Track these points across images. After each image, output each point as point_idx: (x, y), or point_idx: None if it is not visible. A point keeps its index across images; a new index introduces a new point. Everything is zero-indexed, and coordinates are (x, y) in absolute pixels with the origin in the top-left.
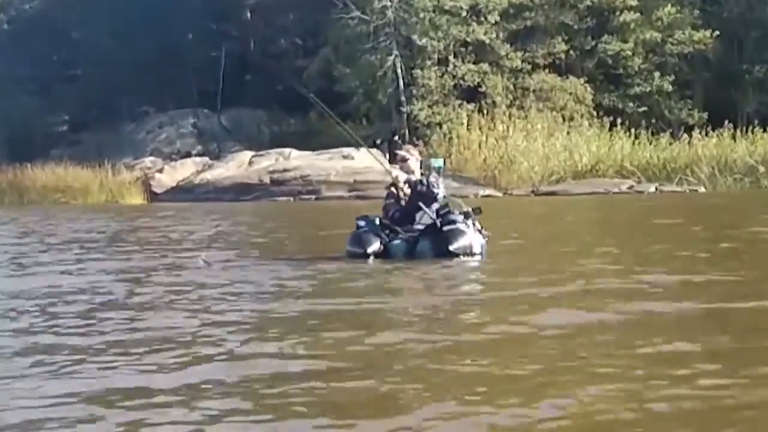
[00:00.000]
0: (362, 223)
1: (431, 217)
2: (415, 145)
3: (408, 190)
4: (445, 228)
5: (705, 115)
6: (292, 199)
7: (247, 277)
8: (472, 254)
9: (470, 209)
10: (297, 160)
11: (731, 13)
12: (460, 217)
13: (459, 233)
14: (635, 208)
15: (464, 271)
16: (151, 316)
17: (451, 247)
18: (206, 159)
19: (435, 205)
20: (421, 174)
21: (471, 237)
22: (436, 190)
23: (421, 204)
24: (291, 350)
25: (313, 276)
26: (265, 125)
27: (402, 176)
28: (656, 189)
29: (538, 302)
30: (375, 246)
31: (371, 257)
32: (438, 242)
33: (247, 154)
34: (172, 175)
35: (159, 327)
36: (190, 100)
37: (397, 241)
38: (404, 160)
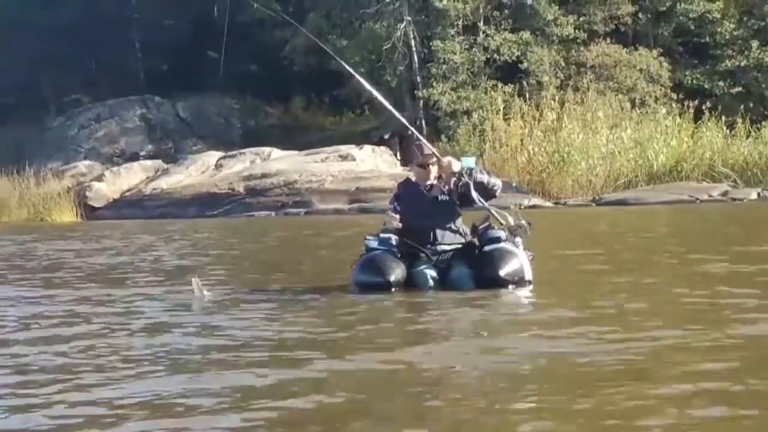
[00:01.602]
0: (374, 243)
1: (462, 231)
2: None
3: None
4: (487, 248)
5: None
6: (273, 213)
7: (234, 331)
8: (523, 282)
9: (518, 224)
10: (279, 163)
11: None
12: (503, 234)
13: (507, 255)
14: (736, 220)
15: (525, 307)
16: None
17: (501, 273)
18: (159, 162)
19: (459, 220)
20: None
21: (522, 260)
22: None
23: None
24: None
25: (324, 323)
26: (236, 117)
27: (455, 165)
28: (759, 195)
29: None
30: (398, 273)
31: (393, 288)
32: (479, 267)
33: (213, 156)
34: (115, 183)
35: None
36: (136, 84)
37: (424, 267)
38: (429, 165)
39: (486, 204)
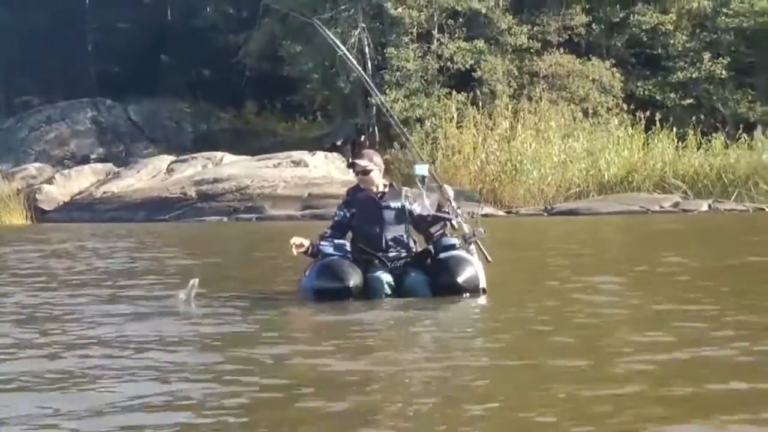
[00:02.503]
0: (329, 248)
1: (413, 239)
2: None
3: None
4: (442, 256)
5: None
6: (225, 218)
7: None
8: (477, 290)
9: (473, 231)
10: (231, 168)
11: None
12: (458, 241)
13: (463, 263)
14: (689, 232)
15: (479, 314)
16: None
17: (458, 280)
18: (110, 165)
19: (409, 227)
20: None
21: (477, 268)
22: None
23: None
24: None
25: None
26: (188, 121)
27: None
28: (710, 207)
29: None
30: (356, 279)
31: (351, 294)
32: (435, 274)
33: (165, 160)
34: (66, 186)
35: None
36: (87, 87)
37: (379, 273)
38: (366, 171)
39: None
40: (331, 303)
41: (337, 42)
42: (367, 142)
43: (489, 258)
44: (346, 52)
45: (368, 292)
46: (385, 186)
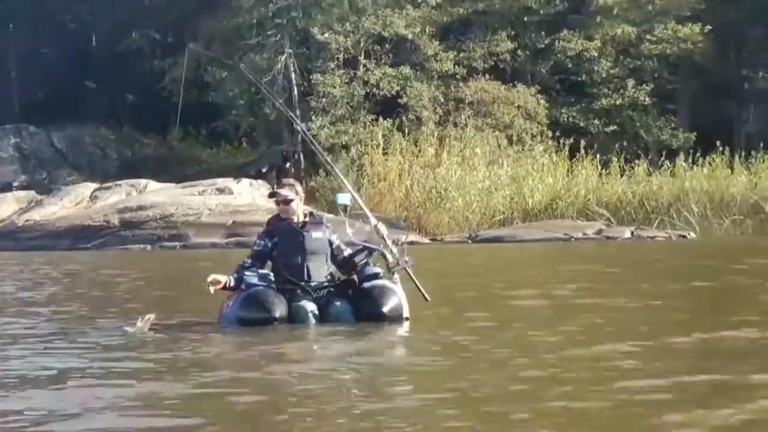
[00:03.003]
0: (254, 278)
1: (333, 268)
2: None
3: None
4: (366, 285)
5: (693, 135)
6: (149, 246)
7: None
8: (401, 319)
9: (398, 260)
10: (156, 195)
11: (726, 2)
12: (381, 270)
13: (387, 292)
14: (609, 259)
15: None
16: None
17: (383, 309)
18: (33, 193)
19: (329, 257)
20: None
21: (401, 297)
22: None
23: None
24: None
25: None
26: (112, 148)
27: (382, 229)
28: (632, 234)
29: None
30: (282, 309)
31: (276, 323)
32: (359, 302)
33: (89, 187)
34: None
35: None
36: (9, 113)
37: (303, 302)
38: (287, 201)
39: (367, 245)
40: (256, 330)
41: (258, 80)
42: (293, 169)
43: (426, 297)
44: (271, 93)
45: (293, 321)
46: (305, 215)
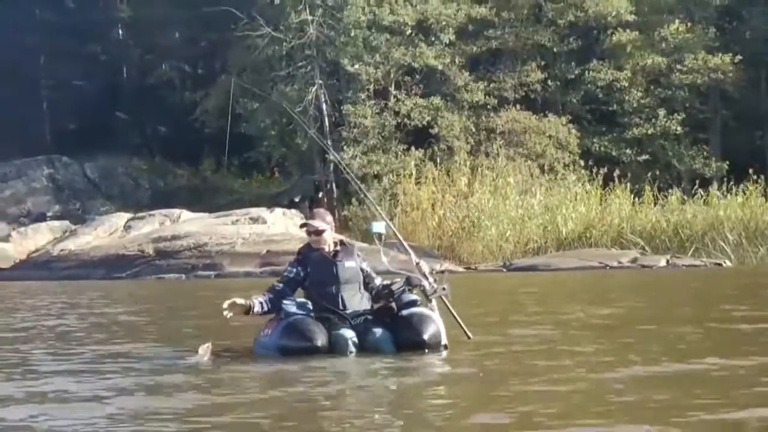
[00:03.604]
0: (293, 307)
1: (367, 297)
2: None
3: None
4: (405, 312)
5: (725, 164)
6: (184, 276)
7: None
8: (439, 346)
9: (434, 288)
10: (189, 225)
11: (756, 32)
12: (418, 298)
13: (426, 320)
14: (651, 287)
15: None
16: None
17: (425, 337)
18: (67, 223)
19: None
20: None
21: (439, 324)
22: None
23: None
24: None
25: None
26: (144, 178)
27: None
28: (668, 262)
29: None
30: (323, 338)
31: (319, 352)
32: (399, 330)
33: (122, 217)
34: (22, 244)
35: None
36: (42, 144)
37: (343, 330)
38: (318, 232)
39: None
40: (301, 360)
41: (291, 109)
42: (325, 199)
43: (469, 335)
44: (312, 131)
45: (333, 349)
46: (336, 243)
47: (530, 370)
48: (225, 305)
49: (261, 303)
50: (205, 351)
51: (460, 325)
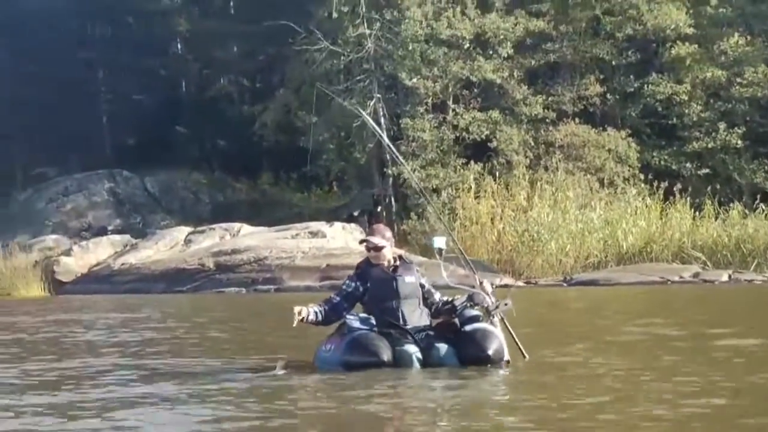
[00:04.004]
0: (356, 322)
1: (426, 312)
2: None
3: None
4: (468, 328)
5: None
6: (244, 290)
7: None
8: (502, 362)
9: (497, 303)
10: (249, 239)
11: None
12: (480, 313)
13: (490, 335)
14: (720, 302)
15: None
16: None
17: (489, 352)
18: (128, 237)
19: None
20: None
21: (501, 340)
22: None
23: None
24: None
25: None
26: (204, 192)
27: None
28: (730, 278)
29: None
30: (389, 353)
31: (383, 367)
32: (463, 346)
33: (183, 231)
34: (83, 258)
35: None
36: (103, 158)
37: (407, 346)
38: (378, 248)
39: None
40: (368, 374)
41: (372, 123)
42: (384, 213)
43: (525, 354)
44: (383, 136)
45: (398, 365)
46: (395, 258)
47: (592, 389)
48: (295, 311)
49: (315, 312)
50: (281, 365)
51: (517, 344)
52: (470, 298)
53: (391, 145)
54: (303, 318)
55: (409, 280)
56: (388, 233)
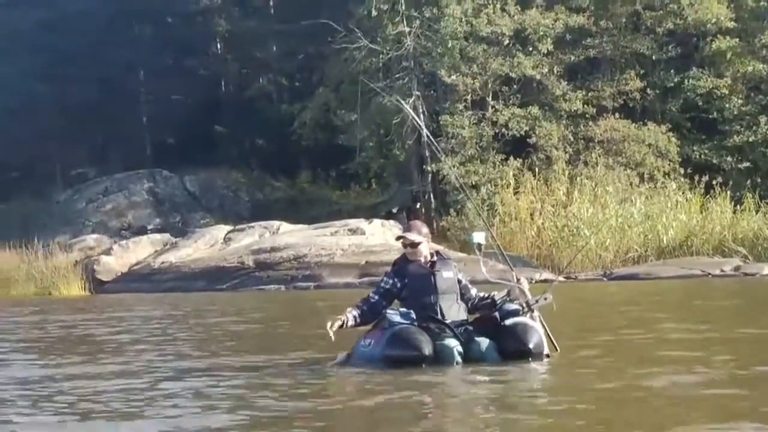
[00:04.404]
0: (397, 317)
1: (463, 307)
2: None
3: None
4: (508, 322)
5: None
6: (284, 287)
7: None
8: (542, 356)
9: (537, 298)
10: (288, 236)
11: None
12: (520, 307)
13: (530, 329)
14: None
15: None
16: None
17: (530, 346)
18: (167, 236)
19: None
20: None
21: (541, 334)
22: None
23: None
24: None
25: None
26: (243, 190)
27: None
28: None
29: None
30: (430, 347)
31: (426, 361)
32: (504, 340)
33: (222, 229)
34: (123, 257)
35: None
36: (143, 158)
37: (448, 340)
38: (415, 245)
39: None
40: (408, 369)
41: (413, 114)
42: (423, 210)
43: (556, 347)
44: (422, 126)
45: (439, 359)
46: (432, 254)
47: (633, 383)
48: (330, 329)
49: (354, 317)
50: (343, 357)
51: (549, 336)
52: (508, 294)
53: (430, 136)
54: (342, 324)
55: (447, 276)
56: (425, 229)
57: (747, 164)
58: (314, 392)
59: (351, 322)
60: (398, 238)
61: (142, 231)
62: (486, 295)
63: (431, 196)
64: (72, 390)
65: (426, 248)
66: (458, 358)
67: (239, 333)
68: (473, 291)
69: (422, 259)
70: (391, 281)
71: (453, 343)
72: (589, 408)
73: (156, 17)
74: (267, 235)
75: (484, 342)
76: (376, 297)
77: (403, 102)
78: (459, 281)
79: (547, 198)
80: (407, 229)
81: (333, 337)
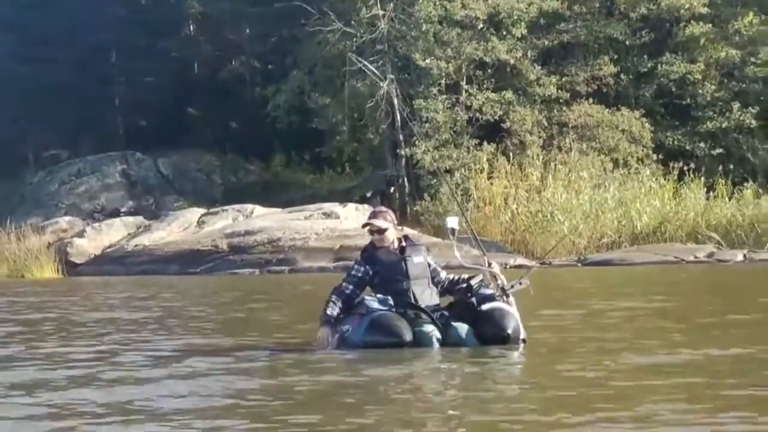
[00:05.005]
0: (375, 303)
1: (435, 291)
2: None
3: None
4: (485, 307)
5: None
6: (257, 271)
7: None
8: (518, 341)
9: (514, 283)
10: (262, 220)
11: None
12: (495, 292)
13: (507, 314)
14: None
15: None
16: None
17: (508, 331)
18: (141, 218)
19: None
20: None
21: (518, 319)
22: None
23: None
24: None
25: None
26: (217, 174)
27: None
28: (745, 257)
29: None
30: (409, 333)
31: (404, 347)
32: (481, 325)
33: (195, 212)
34: (96, 239)
35: None
36: (116, 140)
37: (426, 325)
38: (381, 231)
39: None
40: (386, 352)
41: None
42: (397, 194)
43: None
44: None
45: (418, 344)
46: (400, 240)
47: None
48: (325, 340)
49: (338, 315)
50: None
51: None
52: (482, 280)
53: (409, 118)
54: (330, 328)
55: (417, 261)
56: (390, 215)
57: (720, 150)
58: (282, 375)
59: (335, 312)
60: (365, 225)
61: (115, 213)
62: (456, 278)
63: (405, 180)
64: (39, 374)
65: (393, 234)
66: (436, 344)
67: (209, 316)
68: (443, 274)
69: (390, 246)
70: (362, 269)
71: (431, 329)
72: (564, 393)
73: None
74: (241, 219)
75: (461, 327)
76: (351, 287)
77: (379, 76)
78: (429, 265)
79: (521, 183)
80: (373, 216)
81: (329, 347)
